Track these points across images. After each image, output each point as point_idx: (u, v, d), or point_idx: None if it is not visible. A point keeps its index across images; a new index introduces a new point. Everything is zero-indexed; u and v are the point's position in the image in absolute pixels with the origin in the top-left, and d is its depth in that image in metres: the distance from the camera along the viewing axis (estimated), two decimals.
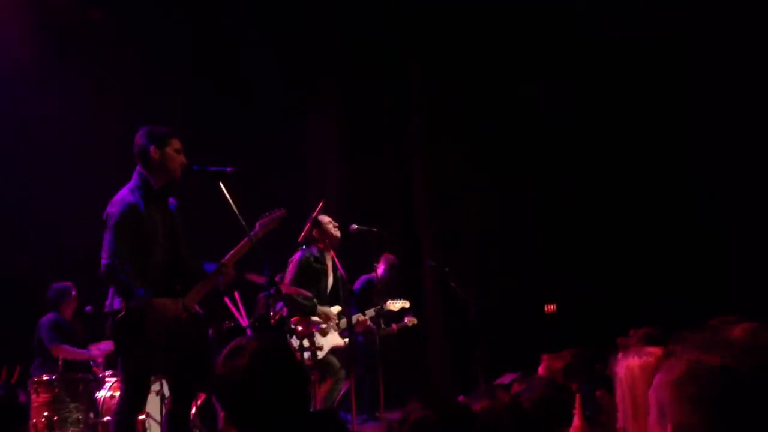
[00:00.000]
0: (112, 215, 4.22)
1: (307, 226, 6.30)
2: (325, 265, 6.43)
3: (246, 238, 4.56)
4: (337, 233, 6.43)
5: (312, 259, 6.33)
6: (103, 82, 8.31)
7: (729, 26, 7.27)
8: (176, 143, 4.43)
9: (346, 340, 6.21)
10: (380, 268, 7.34)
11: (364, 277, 7.48)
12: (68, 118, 7.97)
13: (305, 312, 6.11)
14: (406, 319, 7.71)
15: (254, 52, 8.92)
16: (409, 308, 7.28)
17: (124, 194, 4.32)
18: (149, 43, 8.46)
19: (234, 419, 2.04)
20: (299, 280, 6.19)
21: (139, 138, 4.40)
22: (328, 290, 6.46)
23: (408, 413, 2.00)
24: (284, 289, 5.33)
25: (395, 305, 7.02)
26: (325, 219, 6.39)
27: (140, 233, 4.25)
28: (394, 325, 7.61)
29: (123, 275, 4.14)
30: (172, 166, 4.39)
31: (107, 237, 4.20)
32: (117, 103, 8.07)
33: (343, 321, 6.22)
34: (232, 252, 4.57)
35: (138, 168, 4.41)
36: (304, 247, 6.40)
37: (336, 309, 6.41)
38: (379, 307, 6.69)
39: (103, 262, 4.17)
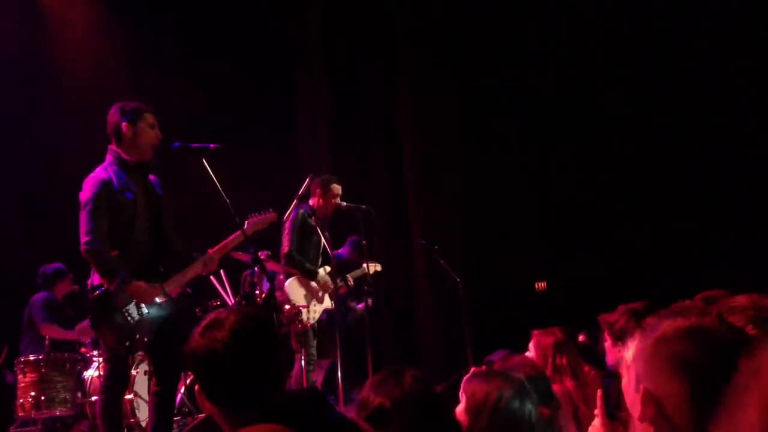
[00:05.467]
0: (86, 195, 4.18)
1: (294, 204, 6.23)
2: (315, 223, 6.33)
3: (235, 234, 4.55)
4: (332, 206, 6.31)
5: (306, 215, 6.20)
6: (92, 61, 8.22)
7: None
8: (149, 118, 4.40)
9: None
10: (345, 249, 7.34)
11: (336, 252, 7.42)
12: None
13: (310, 275, 6.08)
14: (364, 265, 6.77)
15: (243, 30, 8.81)
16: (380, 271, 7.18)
17: (97, 173, 4.27)
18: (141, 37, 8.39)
19: (208, 393, 1.96)
20: (298, 236, 6.08)
21: (112, 115, 4.37)
22: (321, 248, 6.35)
23: (363, 402, 1.92)
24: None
25: (377, 267, 6.91)
26: (337, 189, 6.28)
27: (117, 209, 4.21)
28: (360, 305, 7.44)
29: (104, 257, 4.12)
30: (146, 142, 4.36)
31: (84, 218, 4.16)
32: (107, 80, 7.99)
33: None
34: (220, 245, 4.56)
35: (110, 146, 4.37)
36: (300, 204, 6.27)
37: (327, 269, 6.33)
38: (363, 268, 6.58)
39: (84, 243, 4.13)
